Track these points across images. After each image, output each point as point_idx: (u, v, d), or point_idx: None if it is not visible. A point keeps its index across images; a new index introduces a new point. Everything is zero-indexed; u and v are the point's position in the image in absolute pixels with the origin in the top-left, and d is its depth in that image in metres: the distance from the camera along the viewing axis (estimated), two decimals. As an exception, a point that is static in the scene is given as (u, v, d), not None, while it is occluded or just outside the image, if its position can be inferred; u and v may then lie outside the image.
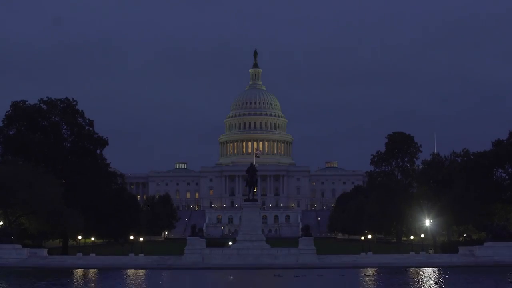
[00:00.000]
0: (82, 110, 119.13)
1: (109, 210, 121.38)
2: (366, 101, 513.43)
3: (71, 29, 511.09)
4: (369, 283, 56.66)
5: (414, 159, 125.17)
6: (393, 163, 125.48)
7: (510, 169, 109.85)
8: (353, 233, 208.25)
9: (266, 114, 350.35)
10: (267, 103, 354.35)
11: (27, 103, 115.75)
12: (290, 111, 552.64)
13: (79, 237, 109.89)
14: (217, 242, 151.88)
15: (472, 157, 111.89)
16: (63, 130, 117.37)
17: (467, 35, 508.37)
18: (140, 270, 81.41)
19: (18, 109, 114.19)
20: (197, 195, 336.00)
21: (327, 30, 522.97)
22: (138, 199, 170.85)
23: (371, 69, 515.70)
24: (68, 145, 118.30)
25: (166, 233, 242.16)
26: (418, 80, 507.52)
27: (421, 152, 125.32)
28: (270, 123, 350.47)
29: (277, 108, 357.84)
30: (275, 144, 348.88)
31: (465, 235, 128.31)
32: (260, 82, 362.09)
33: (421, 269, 79.70)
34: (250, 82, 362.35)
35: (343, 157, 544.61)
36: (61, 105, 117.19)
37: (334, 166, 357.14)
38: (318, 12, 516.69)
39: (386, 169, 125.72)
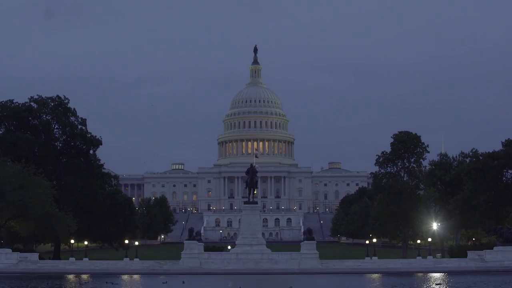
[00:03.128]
0: (74, 109, 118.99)
1: (102, 213, 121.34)
2: (371, 99, 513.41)
3: (63, 24, 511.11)
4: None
5: (421, 160, 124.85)
6: (399, 163, 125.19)
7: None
8: (358, 237, 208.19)
9: (266, 113, 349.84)
10: (268, 101, 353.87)
11: (14, 101, 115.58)
12: (291, 109, 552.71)
13: (72, 241, 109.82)
14: (215, 246, 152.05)
15: (481, 157, 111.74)
16: (55, 130, 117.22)
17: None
18: (135, 276, 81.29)
19: (5, 108, 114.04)
20: (194, 197, 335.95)
21: (330, 26, 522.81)
22: (133, 201, 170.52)
23: (375, 67, 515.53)
24: (60, 145, 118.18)
25: (162, 236, 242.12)
26: (425, 77, 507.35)
27: (428, 152, 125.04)
28: (271, 122, 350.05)
29: (278, 106, 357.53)
30: (276, 144, 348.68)
31: (474, 239, 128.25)
32: (261, 80, 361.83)
33: (428, 274, 79.58)
34: (250, 79, 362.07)
35: (347, 157, 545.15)
36: (52, 103, 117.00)
37: (338, 167, 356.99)
38: (320, 8, 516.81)
39: (392, 170, 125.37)
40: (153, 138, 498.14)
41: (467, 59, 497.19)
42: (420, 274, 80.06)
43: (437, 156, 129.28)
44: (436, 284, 53.28)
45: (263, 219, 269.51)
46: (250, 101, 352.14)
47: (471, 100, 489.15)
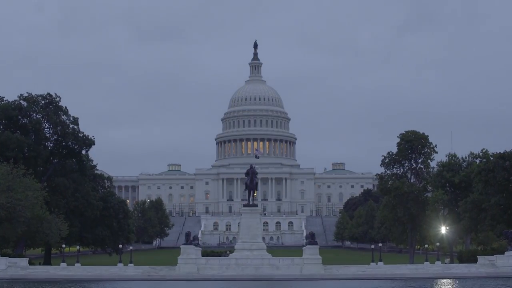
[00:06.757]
0: (65, 107, 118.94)
1: (95, 216, 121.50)
2: (375, 98, 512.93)
3: (54, 19, 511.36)
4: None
5: (429, 161, 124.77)
6: (406, 164, 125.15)
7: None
8: (362, 241, 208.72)
9: (267, 111, 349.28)
10: (268, 99, 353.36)
11: (4, 99, 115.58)
12: (293, 108, 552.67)
13: (63, 246, 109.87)
14: (213, 251, 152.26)
15: (492, 158, 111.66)
16: (45, 129, 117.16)
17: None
18: (130, 282, 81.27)
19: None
20: (192, 200, 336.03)
21: (331, 22, 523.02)
22: (127, 204, 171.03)
23: (379, 64, 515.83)
24: (51, 145, 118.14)
25: (158, 241, 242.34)
26: (431, 75, 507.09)
27: (437, 152, 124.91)
28: (272, 120, 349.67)
29: (279, 104, 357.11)
30: (277, 143, 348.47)
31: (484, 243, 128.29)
32: (261, 76, 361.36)
33: (437, 281, 79.53)
34: (250, 76, 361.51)
35: (351, 158, 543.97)
36: (43, 101, 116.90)
37: (341, 168, 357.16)
38: (322, 4, 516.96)
39: (398, 172, 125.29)
40: (148, 137, 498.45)
41: (474, 57, 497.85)
42: (428, 280, 79.96)
43: (446, 156, 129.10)
44: None
45: (264, 223, 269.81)
46: (250, 99, 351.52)
47: (480, 99, 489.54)
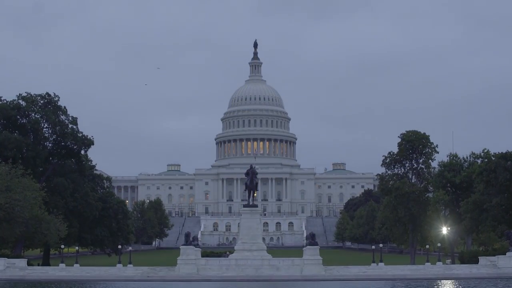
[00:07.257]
0: (64, 107, 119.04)
1: (94, 217, 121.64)
2: (376, 97, 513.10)
3: (52, 20, 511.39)
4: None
5: (430, 161, 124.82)
6: (407, 164, 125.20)
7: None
8: (363, 241, 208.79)
9: (267, 111, 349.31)
10: (268, 98, 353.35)
11: (2, 99, 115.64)
12: (293, 107, 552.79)
13: (62, 246, 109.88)
14: (213, 252, 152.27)
15: (493, 158, 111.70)
16: (44, 129, 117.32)
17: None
18: (129, 283, 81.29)
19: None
20: (191, 200, 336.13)
21: (332, 23, 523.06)
22: (127, 204, 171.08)
23: (380, 62, 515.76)
24: (50, 145, 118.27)
25: (158, 241, 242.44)
26: (432, 74, 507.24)
27: (438, 152, 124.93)
28: (272, 120, 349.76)
29: (279, 104, 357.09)
30: (277, 143, 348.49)
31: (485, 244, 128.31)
32: (261, 76, 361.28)
33: (438, 281, 79.52)
34: (250, 75, 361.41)
35: (351, 158, 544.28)
36: (42, 101, 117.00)
37: (342, 168, 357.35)
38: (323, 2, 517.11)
39: (399, 172, 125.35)
40: (147, 137, 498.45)
41: (477, 54, 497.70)
42: (429, 282, 79.96)
43: (447, 156, 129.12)
44: None
45: (264, 223, 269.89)
46: (250, 99, 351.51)
47: (480, 98, 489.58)
